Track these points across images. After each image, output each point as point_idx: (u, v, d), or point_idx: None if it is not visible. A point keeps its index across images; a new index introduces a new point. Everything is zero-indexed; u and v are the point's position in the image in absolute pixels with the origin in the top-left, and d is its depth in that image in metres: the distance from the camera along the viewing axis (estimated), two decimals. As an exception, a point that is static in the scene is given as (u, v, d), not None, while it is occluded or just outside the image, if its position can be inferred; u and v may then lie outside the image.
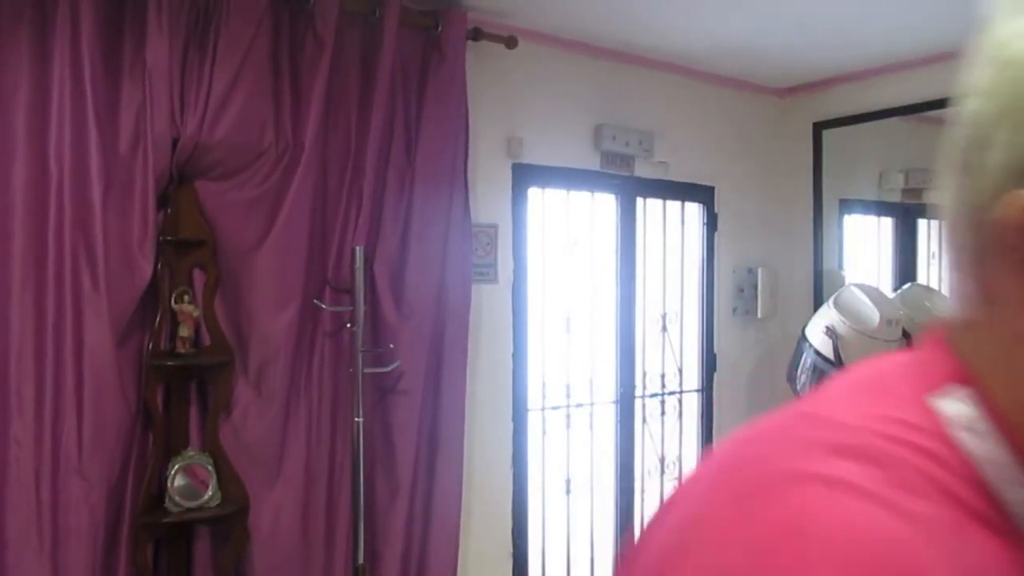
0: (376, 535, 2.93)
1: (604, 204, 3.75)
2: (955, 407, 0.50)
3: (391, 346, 2.88)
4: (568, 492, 3.61)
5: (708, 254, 4.12)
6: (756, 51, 3.67)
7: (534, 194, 3.47)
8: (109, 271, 2.39)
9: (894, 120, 3.86)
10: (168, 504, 2.51)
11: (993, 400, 0.50)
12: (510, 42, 3.16)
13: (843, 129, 4.09)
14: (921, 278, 3.90)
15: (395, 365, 2.87)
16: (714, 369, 4.14)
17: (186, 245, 2.58)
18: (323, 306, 2.78)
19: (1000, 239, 0.49)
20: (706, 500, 0.50)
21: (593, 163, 3.62)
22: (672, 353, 4.03)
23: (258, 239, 2.66)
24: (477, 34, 3.07)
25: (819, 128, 4.19)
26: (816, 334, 3.44)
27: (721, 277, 4.15)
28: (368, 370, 2.82)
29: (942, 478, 0.47)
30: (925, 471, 0.47)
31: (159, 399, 2.55)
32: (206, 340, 2.63)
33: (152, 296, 2.52)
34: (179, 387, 2.61)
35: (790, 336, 3.96)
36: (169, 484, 2.51)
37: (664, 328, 4.00)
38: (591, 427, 3.69)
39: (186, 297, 2.57)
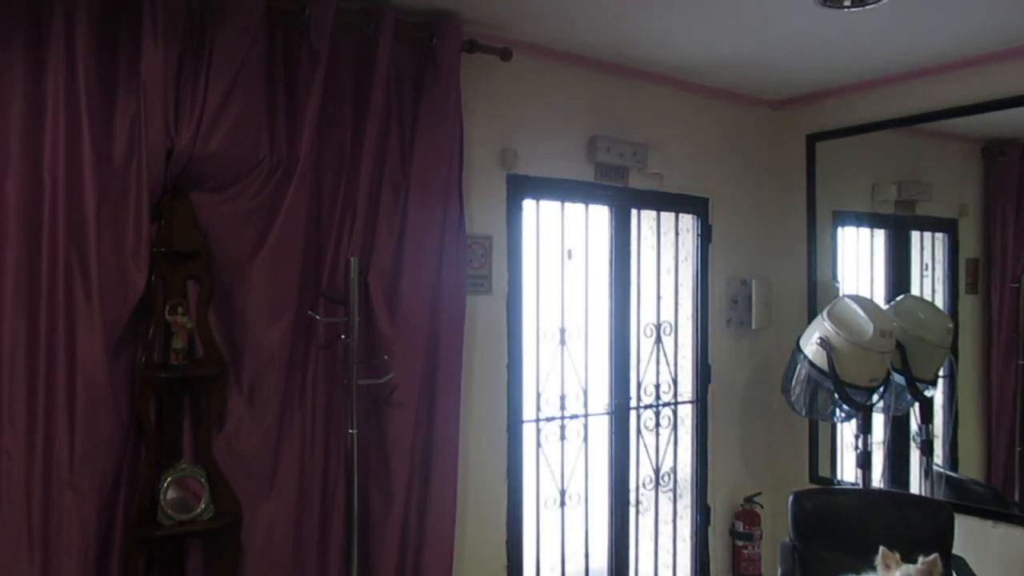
0: (370, 547, 2.91)
1: (598, 215, 3.76)
2: None
3: (385, 357, 2.87)
4: (563, 504, 3.59)
5: (702, 265, 4.13)
6: (750, 63, 3.69)
7: (528, 205, 3.48)
8: (102, 282, 2.39)
9: (887, 132, 3.89)
10: (160, 517, 2.49)
11: None
12: (505, 54, 3.18)
13: (836, 141, 4.11)
14: (915, 289, 3.91)
15: (389, 376, 2.86)
16: (708, 380, 4.14)
17: (180, 256, 2.57)
18: (318, 317, 2.78)
19: None
20: None
21: (587, 174, 3.63)
22: (667, 364, 4.03)
23: (252, 250, 2.66)
24: (472, 46, 3.08)
25: (812, 140, 4.21)
26: (810, 345, 3.44)
27: (715, 288, 4.15)
28: (362, 381, 2.81)
29: None
30: None
31: (152, 411, 2.54)
32: (199, 352, 2.62)
33: (145, 308, 2.51)
34: (172, 399, 2.60)
35: (784, 347, 3.96)
36: (161, 497, 2.50)
37: (658, 339, 4.00)
38: (586, 439, 3.68)
39: (180, 309, 2.57)
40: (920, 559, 2.42)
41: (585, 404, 3.67)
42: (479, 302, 3.27)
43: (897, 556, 2.47)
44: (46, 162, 2.32)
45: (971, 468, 3.72)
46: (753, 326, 4.27)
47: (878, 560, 2.49)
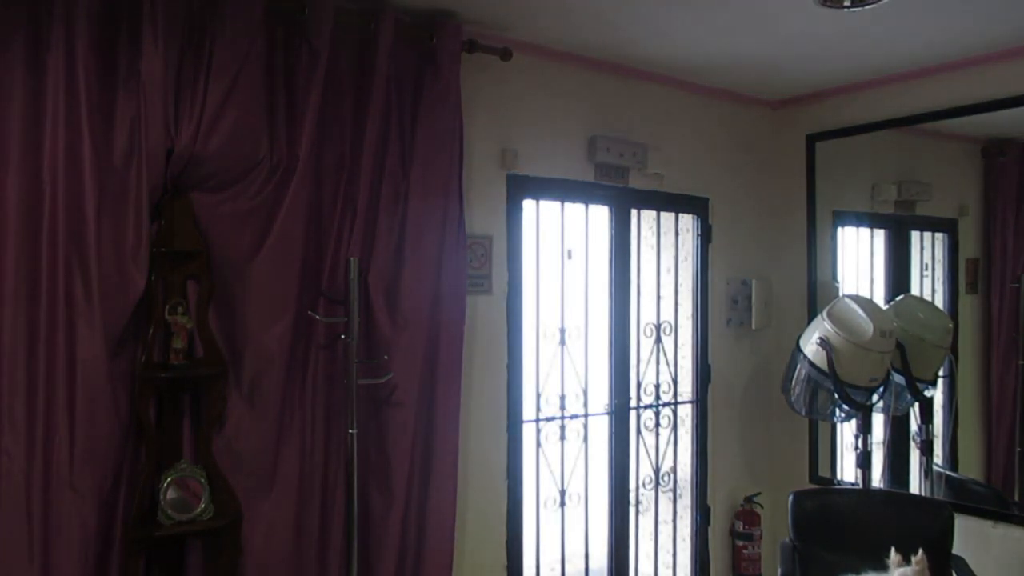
0: (370, 548, 2.91)
1: (598, 215, 3.76)
2: None
3: (385, 357, 2.87)
4: (563, 504, 3.59)
5: (702, 265, 4.12)
6: (750, 63, 3.69)
7: (528, 205, 3.47)
8: (102, 282, 2.39)
9: (887, 132, 3.89)
10: (160, 517, 2.49)
11: None
12: (505, 54, 3.17)
13: (836, 141, 4.11)
14: (915, 289, 3.91)
15: (389, 376, 2.86)
16: (708, 380, 4.14)
17: (180, 256, 2.57)
18: (317, 316, 2.78)
19: None
20: None
21: (587, 174, 3.63)
22: (667, 364, 4.03)
23: (252, 250, 2.66)
24: (472, 46, 3.08)
25: (812, 140, 4.21)
26: (810, 345, 3.44)
27: (715, 288, 4.15)
28: (362, 381, 2.81)
29: None
30: None
31: (152, 411, 2.54)
32: (199, 352, 2.62)
33: (145, 308, 2.51)
34: (172, 399, 2.60)
35: (784, 347, 3.96)
36: (161, 497, 2.50)
37: (658, 339, 4.00)
38: (585, 439, 3.68)
39: (179, 309, 2.57)
40: (912, 559, 2.42)
41: (585, 404, 3.67)
42: (479, 302, 3.27)
43: (899, 558, 2.47)
44: (46, 162, 2.32)
45: (971, 468, 3.72)
46: (753, 326, 4.27)
47: (891, 561, 2.48)
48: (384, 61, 2.85)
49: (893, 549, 2.48)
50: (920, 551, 2.43)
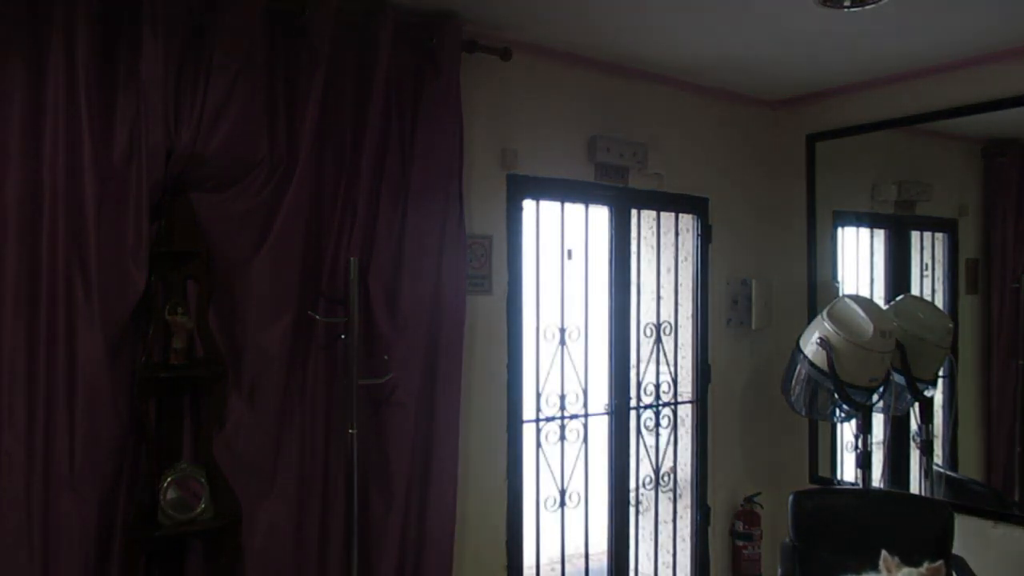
0: (370, 548, 2.91)
1: (598, 215, 3.76)
2: None
3: (385, 357, 2.87)
4: (563, 504, 3.59)
5: (702, 265, 4.12)
6: (749, 63, 3.69)
7: (528, 205, 3.47)
8: (102, 282, 2.39)
9: (887, 132, 3.89)
10: (160, 517, 2.49)
11: None
12: (505, 54, 3.17)
13: (836, 141, 4.11)
14: (915, 289, 3.91)
15: (389, 376, 2.86)
16: (708, 380, 4.14)
17: (180, 256, 2.57)
18: (318, 317, 2.78)
19: None
20: None
21: (587, 174, 3.63)
22: (667, 364, 4.03)
23: (252, 251, 2.66)
24: (472, 46, 3.08)
25: (812, 140, 4.21)
26: (810, 345, 3.44)
27: (715, 288, 4.15)
28: (362, 381, 2.81)
29: None
30: None
31: (152, 411, 2.54)
32: (199, 352, 2.62)
33: (145, 308, 2.51)
34: (172, 399, 2.60)
35: (784, 347, 3.96)
36: (162, 497, 2.50)
37: (658, 339, 4.00)
38: (585, 439, 3.68)
39: (179, 309, 2.56)
40: (926, 564, 2.40)
41: (585, 404, 3.67)
42: (479, 302, 3.27)
43: (897, 560, 2.45)
44: (46, 162, 2.32)
45: (971, 468, 3.72)
46: (753, 326, 4.27)
47: (880, 565, 2.47)
48: (384, 61, 2.84)
49: (884, 552, 2.46)
50: (941, 561, 2.41)
